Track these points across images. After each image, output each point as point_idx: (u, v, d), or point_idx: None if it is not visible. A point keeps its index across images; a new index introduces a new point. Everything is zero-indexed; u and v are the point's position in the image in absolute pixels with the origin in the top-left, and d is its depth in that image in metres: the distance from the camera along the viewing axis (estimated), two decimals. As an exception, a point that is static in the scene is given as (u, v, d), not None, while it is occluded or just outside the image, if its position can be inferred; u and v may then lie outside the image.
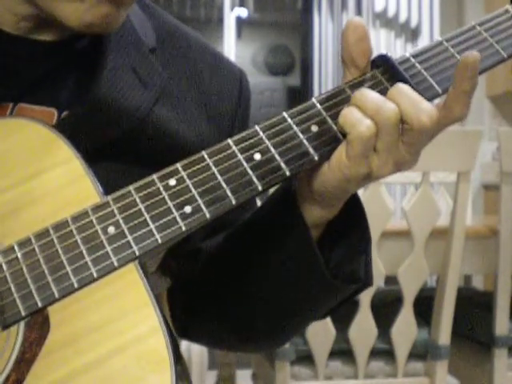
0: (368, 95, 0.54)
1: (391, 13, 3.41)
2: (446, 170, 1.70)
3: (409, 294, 1.60)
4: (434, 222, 1.58)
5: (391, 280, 1.84)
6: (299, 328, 0.71)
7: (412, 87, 0.55)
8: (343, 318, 1.62)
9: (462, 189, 1.58)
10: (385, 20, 3.42)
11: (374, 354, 1.64)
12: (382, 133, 0.53)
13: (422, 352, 1.66)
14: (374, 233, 1.55)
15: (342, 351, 1.64)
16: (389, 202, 1.57)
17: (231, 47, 3.55)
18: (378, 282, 1.61)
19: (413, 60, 0.57)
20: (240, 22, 4.74)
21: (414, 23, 3.43)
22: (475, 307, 1.88)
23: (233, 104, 0.74)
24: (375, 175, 0.55)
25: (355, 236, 0.63)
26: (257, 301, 0.66)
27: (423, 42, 3.40)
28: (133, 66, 0.67)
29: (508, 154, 1.61)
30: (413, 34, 3.44)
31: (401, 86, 0.54)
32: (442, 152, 1.56)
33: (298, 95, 5.35)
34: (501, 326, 1.68)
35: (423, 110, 0.53)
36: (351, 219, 0.63)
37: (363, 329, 1.60)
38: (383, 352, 1.65)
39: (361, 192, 1.69)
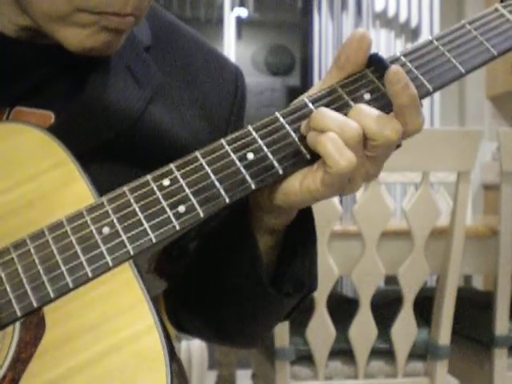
0: (328, 115, 0.53)
1: (391, 13, 3.40)
2: (446, 170, 1.70)
3: (409, 294, 1.60)
4: (434, 221, 1.58)
5: (391, 280, 1.84)
6: (264, 330, 0.73)
7: None
8: (343, 317, 1.62)
9: (462, 189, 1.58)
10: (385, 20, 3.42)
11: (374, 353, 1.64)
12: None
13: (422, 352, 1.66)
14: (374, 233, 1.55)
15: (342, 351, 1.64)
16: (389, 202, 1.57)
17: (231, 47, 3.55)
18: (378, 281, 1.61)
19: (403, 59, 0.57)
20: (240, 21, 4.74)
21: (414, 23, 3.42)
22: (475, 307, 1.88)
23: (228, 102, 0.74)
24: (345, 194, 0.56)
25: (306, 243, 0.64)
26: (216, 304, 0.68)
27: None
28: (127, 65, 0.67)
29: (508, 153, 1.61)
30: (413, 34, 3.44)
31: (359, 106, 0.54)
32: (442, 152, 1.56)
33: (297, 95, 5.34)
34: (501, 326, 1.68)
35: (387, 124, 0.53)
36: (303, 222, 0.63)
37: (363, 329, 1.60)
38: (383, 352, 1.65)
39: (361, 192, 1.69)
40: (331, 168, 0.52)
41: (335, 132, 0.52)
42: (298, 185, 0.55)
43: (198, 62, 0.73)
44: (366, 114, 0.54)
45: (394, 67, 0.53)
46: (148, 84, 0.67)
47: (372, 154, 0.54)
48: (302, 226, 0.63)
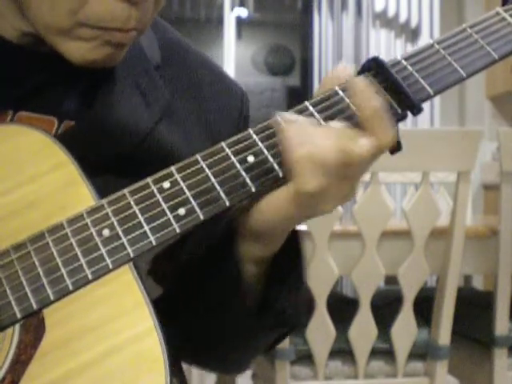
0: (308, 133, 0.52)
1: (391, 13, 3.41)
2: (446, 170, 1.70)
3: (409, 294, 1.60)
4: (434, 221, 1.58)
5: (391, 280, 1.84)
6: (239, 359, 0.70)
7: (404, 89, 0.55)
8: (343, 318, 1.62)
9: (462, 189, 1.58)
10: (385, 20, 3.42)
11: (374, 354, 1.64)
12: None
13: (422, 352, 1.66)
14: (374, 233, 1.55)
15: (342, 351, 1.64)
16: (389, 202, 1.58)
17: (231, 47, 3.55)
18: (378, 281, 1.61)
19: (404, 62, 0.57)
20: (240, 21, 4.74)
21: (414, 23, 3.43)
22: (475, 307, 1.88)
23: (233, 124, 0.74)
24: (317, 215, 0.55)
25: (293, 275, 0.63)
26: (196, 326, 0.66)
27: (423, 42, 3.39)
28: (137, 84, 0.67)
29: (508, 153, 1.61)
30: (413, 35, 3.44)
31: (333, 124, 0.53)
32: (442, 152, 1.56)
33: (297, 95, 5.35)
34: (501, 326, 1.68)
35: (358, 143, 0.52)
36: (290, 252, 0.62)
37: (363, 329, 1.60)
38: (383, 352, 1.65)
39: (361, 192, 1.69)
40: (298, 186, 0.52)
41: (311, 152, 0.51)
42: (270, 204, 0.55)
43: (205, 83, 0.73)
44: (338, 131, 0.52)
45: (357, 79, 0.52)
46: (156, 103, 0.67)
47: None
48: (290, 257, 0.62)
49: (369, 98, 0.52)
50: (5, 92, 0.64)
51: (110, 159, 0.63)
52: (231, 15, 3.56)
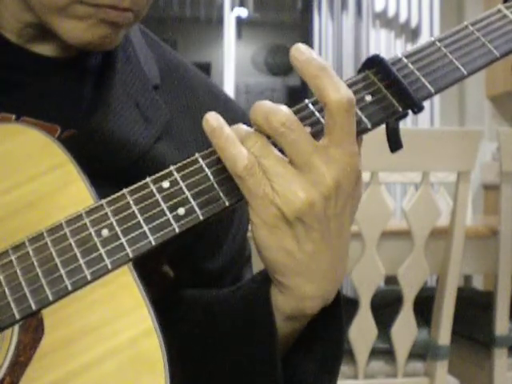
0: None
1: (391, 13, 3.41)
2: (446, 170, 1.70)
3: (409, 294, 1.60)
4: (434, 221, 1.58)
5: (391, 280, 1.84)
6: None
7: (405, 87, 0.55)
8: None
9: (462, 189, 1.58)
10: (385, 20, 3.42)
11: (374, 354, 1.64)
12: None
13: (422, 352, 1.66)
14: (374, 233, 1.55)
15: (342, 351, 1.63)
16: (389, 202, 1.57)
17: (231, 47, 3.55)
18: (378, 281, 1.61)
19: (405, 60, 0.57)
20: (240, 21, 4.74)
21: (414, 23, 3.43)
22: (475, 307, 1.88)
23: None
24: (288, 213, 0.51)
25: (327, 352, 0.61)
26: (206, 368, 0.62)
27: (423, 42, 3.40)
28: (136, 102, 0.67)
29: (508, 153, 1.62)
30: (413, 34, 3.44)
31: (256, 103, 0.54)
32: (442, 152, 1.56)
33: (297, 95, 5.35)
34: (501, 326, 1.68)
35: (274, 113, 0.53)
36: (329, 329, 0.61)
37: (363, 329, 1.60)
38: (383, 352, 1.65)
39: (360, 192, 1.69)
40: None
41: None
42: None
43: (205, 104, 0.73)
44: (257, 107, 0.54)
45: (296, 45, 0.52)
46: (156, 122, 0.67)
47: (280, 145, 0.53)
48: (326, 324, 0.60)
49: (313, 57, 0.51)
50: (7, 96, 0.64)
51: (108, 172, 0.62)
52: (231, 15, 3.56)
